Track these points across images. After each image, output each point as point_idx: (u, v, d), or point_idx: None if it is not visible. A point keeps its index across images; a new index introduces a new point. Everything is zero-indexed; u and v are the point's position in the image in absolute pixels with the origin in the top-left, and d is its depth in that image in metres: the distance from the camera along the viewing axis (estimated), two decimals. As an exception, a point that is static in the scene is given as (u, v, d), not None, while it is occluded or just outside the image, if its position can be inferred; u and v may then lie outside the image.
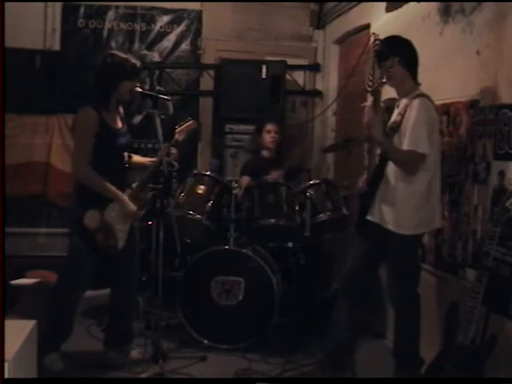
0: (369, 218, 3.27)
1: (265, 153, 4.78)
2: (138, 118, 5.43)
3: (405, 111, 3.14)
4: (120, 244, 3.49)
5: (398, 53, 3.20)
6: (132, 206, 3.48)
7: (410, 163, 3.10)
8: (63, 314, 3.56)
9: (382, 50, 3.35)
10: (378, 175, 3.25)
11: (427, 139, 3.06)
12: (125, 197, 3.46)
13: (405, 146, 3.09)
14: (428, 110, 3.13)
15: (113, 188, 3.40)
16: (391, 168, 3.18)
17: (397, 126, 3.17)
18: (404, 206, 3.15)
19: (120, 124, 3.54)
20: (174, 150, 3.59)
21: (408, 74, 3.22)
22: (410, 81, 3.23)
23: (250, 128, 5.17)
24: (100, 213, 3.40)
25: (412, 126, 3.07)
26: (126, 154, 3.57)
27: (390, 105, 3.37)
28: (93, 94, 3.44)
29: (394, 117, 3.24)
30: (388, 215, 3.19)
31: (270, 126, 4.72)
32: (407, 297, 3.25)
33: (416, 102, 3.10)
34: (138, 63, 3.49)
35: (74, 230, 3.47)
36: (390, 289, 3.36)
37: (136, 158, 3.72)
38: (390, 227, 3.18)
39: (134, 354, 3.71)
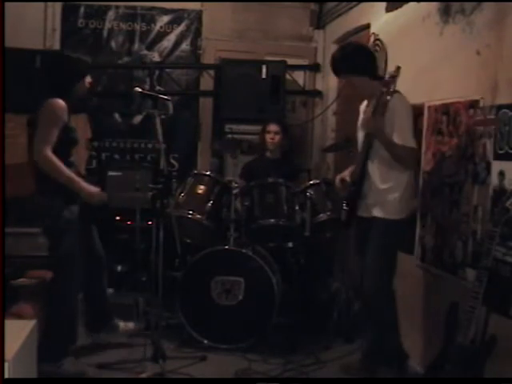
0: (359, 213, 3.41)
1: (268, 153, 4.79)
2: (138, 118, 5.43)
3: (383, 110, 3.21)
4: None
5: (348, 70, 3.37)
6: (92, 188, 3.47)
7: (406, 158, 3.27)
8: (70, 315, 3.57)
9: (334, 68, 3.47)
10: (362, 172, 3.36)
11: (412, 134, 3.26)
12: (83, 182, 3.44)
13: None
14: (407, 105, 3.29)
15: (71, 174, 3.38)
16: (372, 165, 3.33)
17: None
18: (389, 196, 3.31)
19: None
20: None
21: (367, 78, 3.37)
22: (373, 81, 3.38)
23: (250, 128, 5.18)
24: None
25: (398, 123, 3.22)
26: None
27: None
28: (53, 93, 3.42)
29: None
30: (377, 207, 3.34)
31: (270, 127, 4.73)
32: (381, 289, 3.34)
33: (395, 99, 3.22)
34: (88, 60, 3.65)
35: (64, 225, 3.44)
36: (364, 281, 3.42)
37: None
38: (376, 213, 3.34)
39: (122, 326, 3.89)
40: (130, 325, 3.98)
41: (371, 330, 3.53)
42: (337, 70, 3.45)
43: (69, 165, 3.44)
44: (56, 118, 3.35)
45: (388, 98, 3.18)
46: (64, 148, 3.41)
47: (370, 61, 3.43)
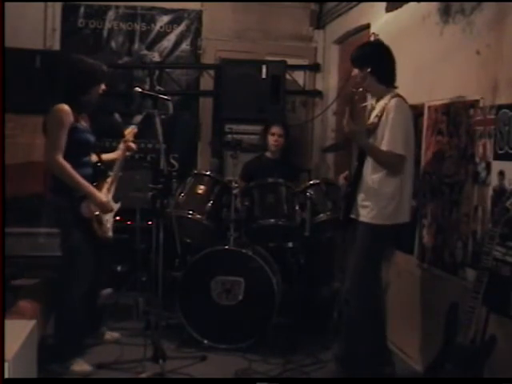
0: (352, 216, 3.39)
1: (268, 154, 4.80)
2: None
3: (381, 113, 3.22)
4: (110, 234, 3.61)
5: (370, 63, 3.31)
6: (102, 197, 3.51)
7: (390, 164, 3.23)
8: (78, 314, 3.56)
9: (355, 58, 3.42)
10: (357, 175, 3.35)
11: (403, 140, 3.19)
12: (93, 188, 3.49)
13: (383, 147, 3.21)
14: (404, 111, 3.25)
15: (82, 180, 3.43)
16: (367, 166, 3.31)
17: (374, 128, 3.26)
18: (377, 199, 3.26)
19: (86, 124, 3.62)
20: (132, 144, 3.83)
21: (379, 80, 3.32)
22: (382, 86, 3.33)
23: (250, 128, 5.18)
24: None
25: (390, 128, 3.18)
26: (93, 152, 3.67)
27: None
28: (64, 97, 3.49)
29: (372, 119, 3.32)
30: (364, 210, 3.31)
31: (274, 129, 4.74)
32: (358, 291, 3.32)
33: (392, 103, 3.21)
34: (105, 68, 3.61)
35: (72, 224, 3.49)
36: (345, 282, 3.43)
37: (106, 156, 3.79)
38: (363, 219, 3.31)
39: (108, 336, 3.93)
40: (115, 334, 3.99)
41: (345, 331, 3.51)
42: (354, 60, 3.41)
43: (83, 165, 3.51)
44: (61, 122, 3.41)
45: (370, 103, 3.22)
46: (75, 149, 3.46)
47: (386, 63, 3.37)
